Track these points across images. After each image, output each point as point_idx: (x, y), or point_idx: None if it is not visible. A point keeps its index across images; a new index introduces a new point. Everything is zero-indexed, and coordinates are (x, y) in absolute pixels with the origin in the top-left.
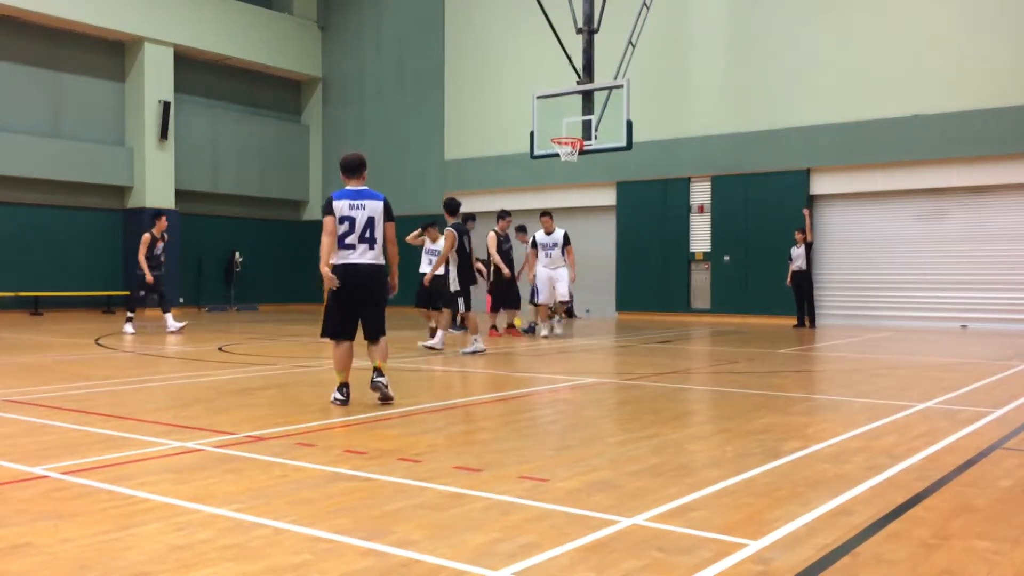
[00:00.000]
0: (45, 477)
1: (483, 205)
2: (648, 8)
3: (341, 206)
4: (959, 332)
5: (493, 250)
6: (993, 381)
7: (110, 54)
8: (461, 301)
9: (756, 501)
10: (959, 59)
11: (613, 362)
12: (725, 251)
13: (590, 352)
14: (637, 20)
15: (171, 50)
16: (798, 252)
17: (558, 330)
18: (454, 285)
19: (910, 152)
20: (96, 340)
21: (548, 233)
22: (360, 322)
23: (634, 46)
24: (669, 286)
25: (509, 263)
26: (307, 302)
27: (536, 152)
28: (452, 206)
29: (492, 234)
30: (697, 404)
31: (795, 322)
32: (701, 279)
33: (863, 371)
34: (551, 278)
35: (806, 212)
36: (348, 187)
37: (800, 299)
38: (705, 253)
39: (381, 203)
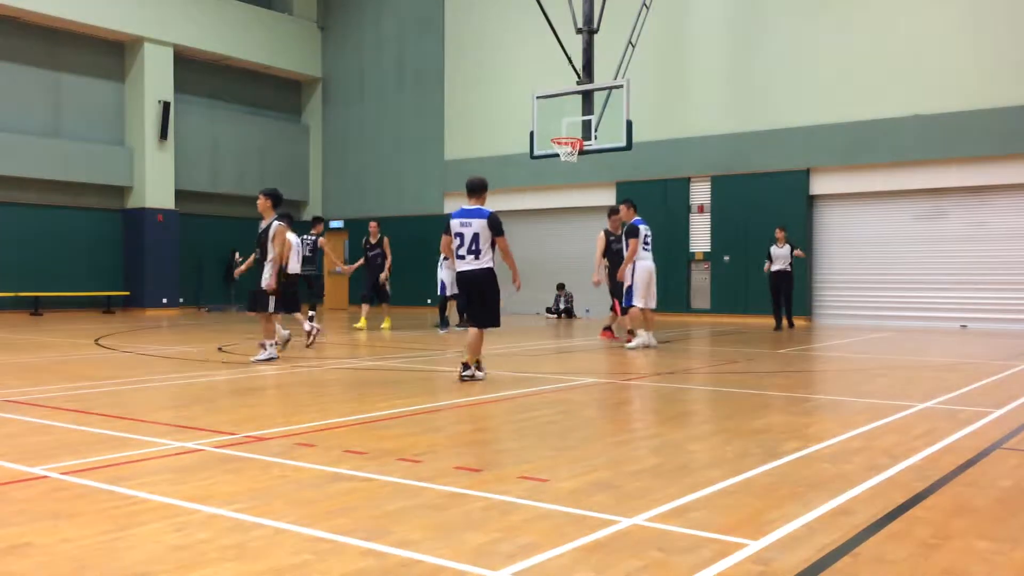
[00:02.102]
0: (45, 477)
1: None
2: (648, 8)
3: (454, 224)
4: (959, 332)
5: (600, 250)
6: (993, 381)
7: (110, 54)
8: (272, 301)
9: (756, 501)
10: (959, 59)
11: (613, 362)
12: (725, 251)
13: (590, 352)
14: (637, 20)
15: (171, 50)
16: (781, 252)
17: (643, 340)
18: (267, 282)
19: (909, 152)
20: (96, 340)
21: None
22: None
23: (634, 46)
24: (669, 286)
25: (620, 263)
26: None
27: (536, 152)
28: (277, 197)
29: (601, 233)
30: (697, 404)
31: (775, 325)
32: (701, 279)
33: (863, 371)
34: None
35: (800, 254)
36: (464, 207)
37: (778, 300)
38: (705, 253)
39: (485, 220)
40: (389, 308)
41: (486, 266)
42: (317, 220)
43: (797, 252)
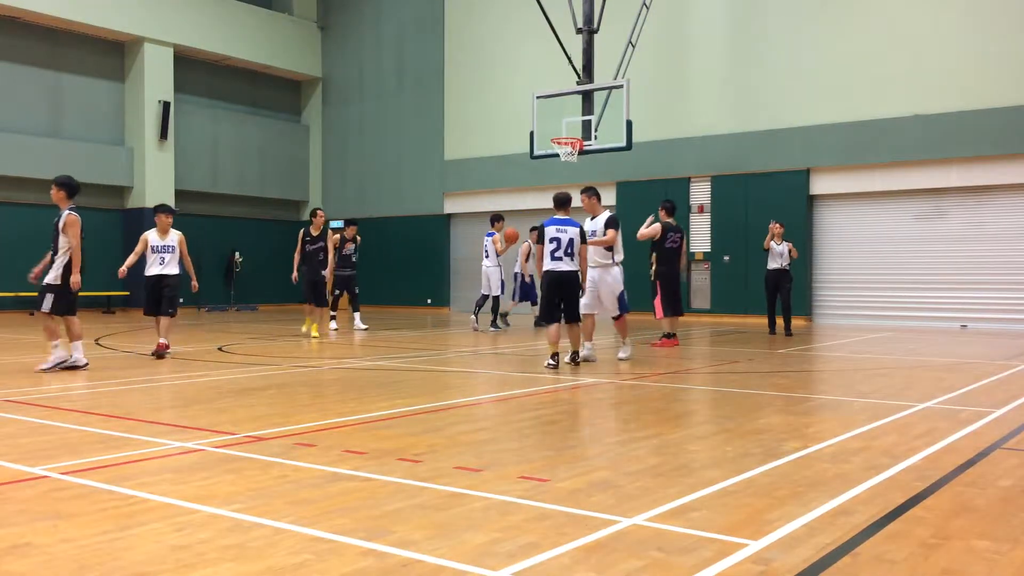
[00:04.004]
0: (45, 477)
1: (483, 205)
2: (648, 8)
3: (551, 231)
4: (959, 332)
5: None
6: (993, 381)
7: (110, 54)
8: (50, 298)
9: (756, 501)
10: (959, 59)
11: (613, 362)
12: (725, 251)
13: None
14: (637, 20)
15: (171, 50)
16: (781, 249)
17: (585, 352)
18: (53, 275)
19: (909, 152)
20: (96, 340)
21: (592, 217)
22: (563, 311)
23: (634, 46)
24: None
25: (675, 261)
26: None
27: (536, 152)
28: (71, 187)
29: (657, 224)
30: (697, 404)
31: (770, 328)
32: (701, 279)
33: (863, 371)
34: (594, 280)
35: (794, 253)
36: (555, 216)
37: (773, 301)
38: (705, 253)
39: (577, 229)
40: (321, 312)
41: (577, 267)
42: (350, 223)
43: (792, 251)
